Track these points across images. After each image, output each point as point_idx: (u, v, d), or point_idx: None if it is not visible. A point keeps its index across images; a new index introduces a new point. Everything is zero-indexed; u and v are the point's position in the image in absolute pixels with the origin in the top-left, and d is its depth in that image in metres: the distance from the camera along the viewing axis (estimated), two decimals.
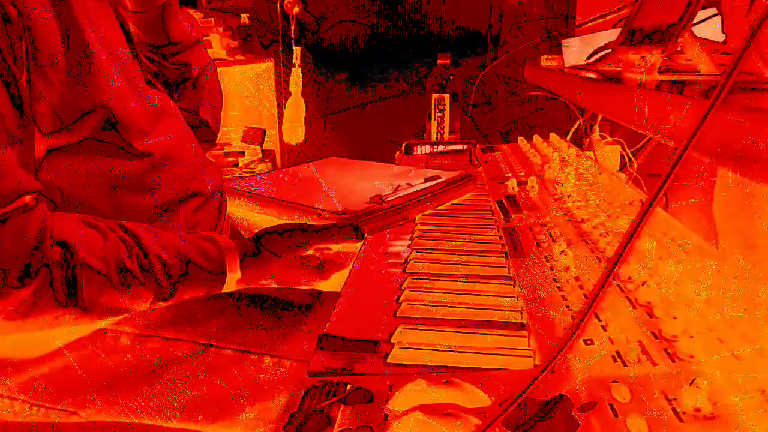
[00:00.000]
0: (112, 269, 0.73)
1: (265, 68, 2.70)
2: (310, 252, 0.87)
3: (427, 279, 0.78)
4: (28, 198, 0.70)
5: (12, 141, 0.70)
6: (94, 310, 0.74)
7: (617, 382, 0.52)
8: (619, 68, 1.01)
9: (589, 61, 1.19)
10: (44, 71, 0.73)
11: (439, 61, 1.84)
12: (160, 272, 0.76)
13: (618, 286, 0.71)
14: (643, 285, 0.68)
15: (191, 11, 2.51)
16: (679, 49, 0.79)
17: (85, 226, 0.75)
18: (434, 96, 1.82)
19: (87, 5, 0.80)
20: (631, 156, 1.49)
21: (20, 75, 0.70)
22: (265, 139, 2.68)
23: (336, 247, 0.89)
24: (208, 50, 1.14)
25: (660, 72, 0.80)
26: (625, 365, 0.56)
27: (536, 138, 1.54)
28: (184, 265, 0.78)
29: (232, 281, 0.82)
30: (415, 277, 0.78)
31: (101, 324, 0.81)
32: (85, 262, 0.72)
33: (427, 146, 1.62)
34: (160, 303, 0.78)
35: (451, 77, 1.84)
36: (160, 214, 0.87)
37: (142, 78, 0.91)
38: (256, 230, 0.89)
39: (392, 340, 0.62)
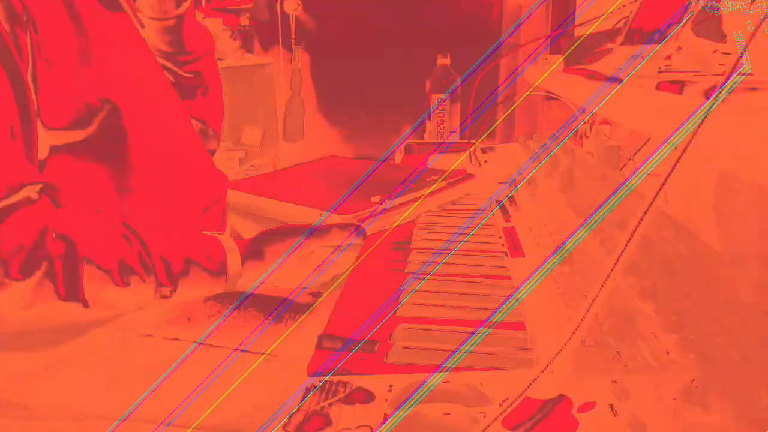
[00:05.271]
0: (114, 265, 0.74)
1: (265, 68, 2.70)
2: (310, 252, 0.87)
3: (427, 279, 0.78)
4: (31, 191, 0.71)
5: (15, 134, 0.71)
6: (95, 305, 0.74)
7: (617, 382, 0.52)
8: (619, 68, 1.01)
9: (589, 61, 1.18)
10: (50, 64, 0.73)
11: (439, 62, 1.84)
12: (161, 270, 0.77)
13: (618, 285, 0.71)
14: (643, 284, 0.68)
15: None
16: (679, 49, 0.79)
17: (88, 222, 0.76)
18: (434, 96, 1.82)
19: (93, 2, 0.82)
20: (632, 156, 1.48)
21: (25, 68, 0.71)
22: (265, 139, 2.68)
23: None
24: None
25: (660, 72, 0.80)
26: (626, 365, 0.56)
27: (536, 138, 1.54)
28: (186, 264, 0.79)
29: (234, 281, 0.82)
30: (415, 277, 0.78)
31: (102, 318, 0.81)
32: (86, 257, 0.72)
33: (427, 146, 1.62)
34: (160, 300, 0.79)
35: (451, 77, 1.84)
36: (164, 216, 0.88)
37: (153, 81, 0.92)
38: (257, 231, 0.89)
39: (392, 340, 0.62)
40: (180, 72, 1.01)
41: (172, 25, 0.96)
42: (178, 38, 0.98)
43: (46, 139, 0.76)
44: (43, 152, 0.76)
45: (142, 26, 0.94)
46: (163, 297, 0.78)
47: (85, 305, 0.73)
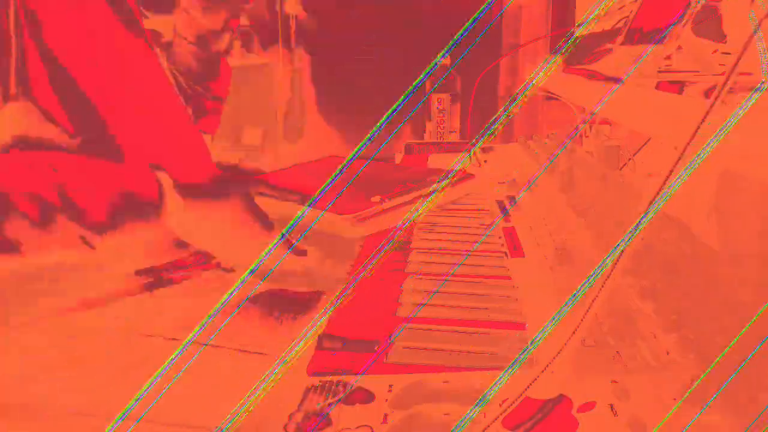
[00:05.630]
0: (33, 206, 0.75)
1: (265, 68, 2.70)
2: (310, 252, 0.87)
3: (427, 279, 0.78)
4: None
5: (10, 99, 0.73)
6: (22, 249, 0.75)
7: (617, 382, 0.52)
8: (619, 68, 1.01)
9: (589, 61, 1.18)
10: (49, 50, 0.75)
11: (439, 62, 1.84)
12: (85, 213, 0.79)
13: (618, 285, 0.71)
14: (643, 284, 0.68)
15: None
16: (679, 48, 0.79)
17: (13, 163, 0.78)
18: (434, 96, 1.82)
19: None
20: (632, 156, 1.48)
21: (26, 53, 0.72)
22: (265, 139, 2.67)
23: (336, 247, 0.89)
24: None
25: (660, 72, 0.80)
26: (626, 365, 0.56)
27: (536, 138, 1.54)
28: (112, 207, 0.81)
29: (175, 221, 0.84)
30: (415, 277, 0.78)
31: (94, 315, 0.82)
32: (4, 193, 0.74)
33: (427, 146, 1.62)
34: (155, 298, 0.79)
35: (451, 77, 1.84)
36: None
37: (153, 80, 0.93)
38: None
39: (392, 340, 0.62)
40: (207, 94, 1.04)
41: (204, 48, 1.00)
42: (214, 65, 1.02)
43: (45, 132, 0.77)
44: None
45: (170, 44, 0.97)
46: (146, 290, 0.79)
47: (14, 249, 0.74)
